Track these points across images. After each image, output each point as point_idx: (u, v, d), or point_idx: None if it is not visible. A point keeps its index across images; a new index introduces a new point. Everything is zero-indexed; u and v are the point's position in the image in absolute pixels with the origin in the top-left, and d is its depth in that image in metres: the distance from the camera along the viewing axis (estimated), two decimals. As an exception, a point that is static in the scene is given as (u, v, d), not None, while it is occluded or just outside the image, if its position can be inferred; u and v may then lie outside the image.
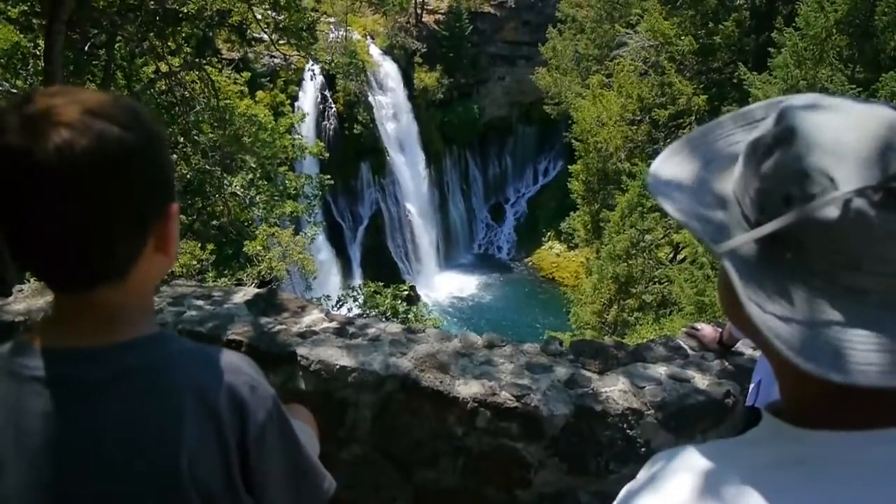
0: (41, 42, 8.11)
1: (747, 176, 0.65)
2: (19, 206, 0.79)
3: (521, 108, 33.74)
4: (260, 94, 15.20)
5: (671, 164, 0.72)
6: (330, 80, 25.69)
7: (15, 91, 7.85)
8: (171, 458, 0.86)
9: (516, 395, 2.16)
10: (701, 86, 18.05)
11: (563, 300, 19.15)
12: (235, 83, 12.63)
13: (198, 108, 9.91)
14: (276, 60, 23.01)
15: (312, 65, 15.20)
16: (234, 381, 0.93)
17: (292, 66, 23.13)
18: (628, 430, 2.15)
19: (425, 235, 30.64)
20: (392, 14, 28.97)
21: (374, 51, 28.48)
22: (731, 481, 0.63)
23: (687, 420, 2.19)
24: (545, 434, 2.16)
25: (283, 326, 2.48)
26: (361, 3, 28.59)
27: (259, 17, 9.83)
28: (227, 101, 10.60)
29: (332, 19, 25.07)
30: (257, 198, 11.42)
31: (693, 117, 17.26)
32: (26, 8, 8.80)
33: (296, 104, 23.22)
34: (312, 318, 2.58)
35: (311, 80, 22.79)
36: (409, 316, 10.99)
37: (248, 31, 10.73)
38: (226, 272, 11.79)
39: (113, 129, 0.81)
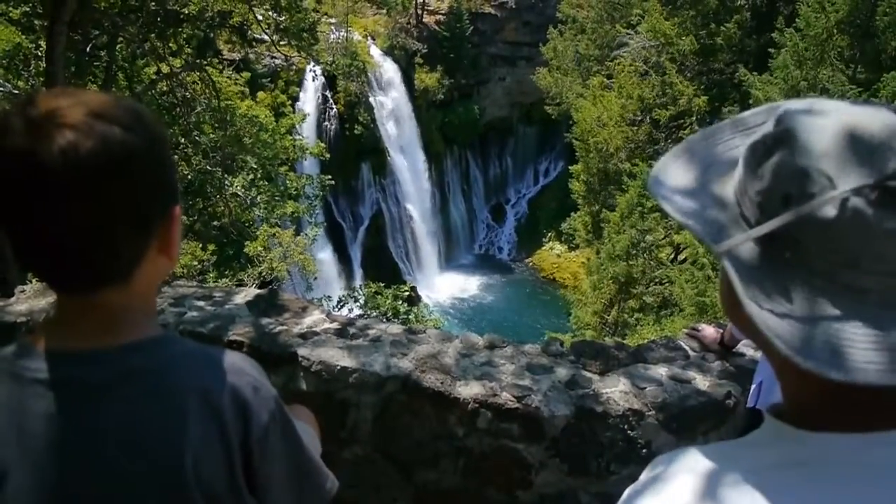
0: (43, 43, 8.11)
1: (747, 177, 0.65)
2: (24, 207, 0.79)
3: (521, 109, 33.75)
4: (261, 94, 15.21)
5: (671, 169, 0.73)
6: (331, 81, 25.71)
7: (17, 92, 7.85)
8: (174, 458, 0.86)
9: (517, 396, 2.16)
10: (702, 86, 18.04)
11: (564, 301, 19.14)
12: (236, 84, 12.64)
13: (199, 108, 9.91)
14: (277, 61, 23.04)
15: (313, 66, 15.20)
16: (237, 382, 0.93)
17: (293, 66, 23.15)
18: (629, 431, 2.15)
19: (426, 236, 30.65)
20: (393, 15, 28.98)
21: (375, 51, 28.49)
22: (732, 483, 0.64)
23: (688, 421, 2.19)
24: (546, 435, 2.16)
25: (284, 327, 2.48)
26: (362, 3, 28.58)
27: (260, 17, 9.83)
28: (228, 102, 10.60)
29: (332, 20, 25.09)
30: (258, 198, 11.42)
31: (694, 118, 17.26)
32: (28, 9, 8.81)
33: (296, 105, 23.25)
34: (313, 318, 2.58)
35: (313, 80, 22.80)
36: (410, 317, 10.98)
37: (249, 31, 10.74)
38: (227, 273, 11.79)
39: (117, 132, 0.81)
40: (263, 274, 11.74)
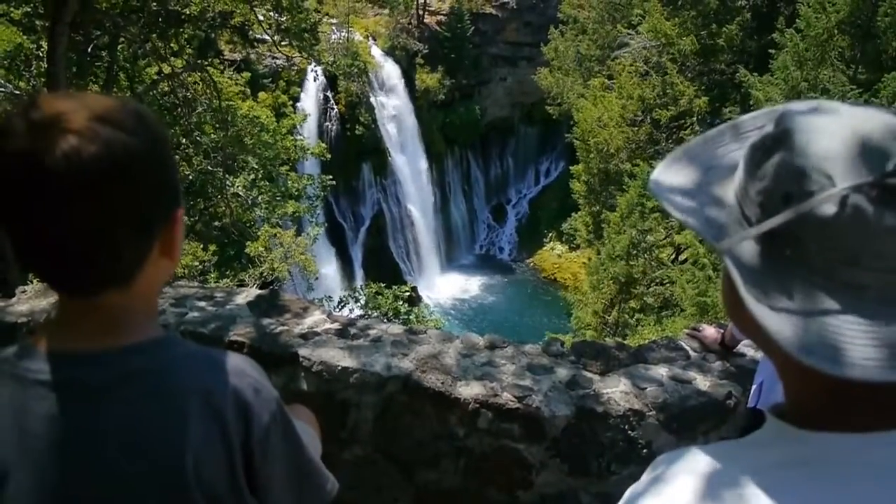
0: (44, 44, 8.12)
1: (747, 178, 0.66)
2: (27, 211, 0.80)
3: (522, 109, 33.75)
4: (262, 95, 15.21)
5: (672, 171, 0.74)
6: (332, 81, 25.72)
7: (18, 93, 7.86)
8: (174, 459, 0.86)
9: (518, 396, 2.16)
10: (702, 87, 18.03)
11: (565, 302, 19.14)
12: (236, 84, 12.64)
13: (200, 109, 9.92)
14: (279, 61, 23.06)
15: (315, 66, 15.20)
16: (238, 383, 0.93)
17: (295, 66, 23.17)
18: (630, 432, 2.15)
19: (427, 236, 30.65)
20: (394, 15, 28.99)
21: (376, 52, 28.50)
22: (734, 482, 0.64)
23: (688, 421, 2.19)
24: (546, 435, 2.16)
25: (285, 327, 2.49)
26: (363, 3, 28.59)
27: (261, 18, 9.83)
28: (230, 103, 10.60)
29: (333, 20, 25.09)
30: (259, 198, 11.42)
31: (694, 118, 17.25)
32: (29, 9, 8.83)
33: (297, 105, 23.25)
34: (314, 319, 2.58)
35: (315, 80, 22.82)
36: (411, 317, 10.99)
37: (251, 32, 10.75)
38: (228, 273, 11.80)
39: (120, 136, 0.81)
40: (264, 274, 11.74)
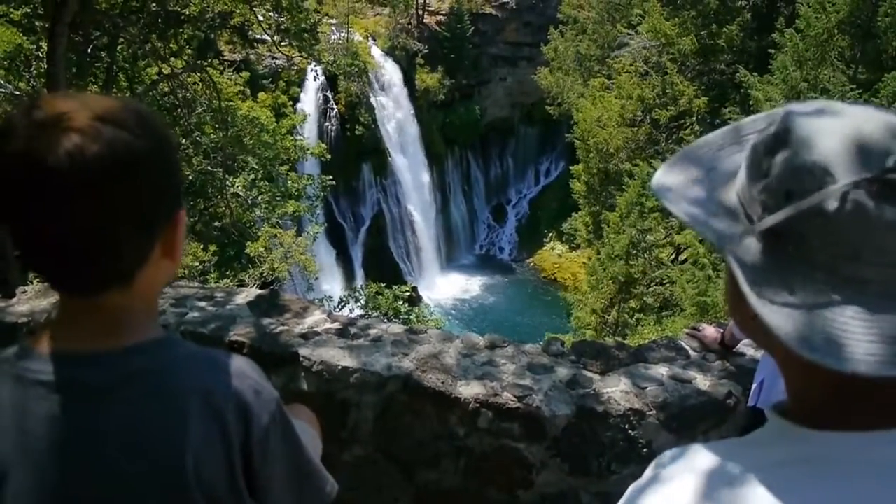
0: (44, 44, 8.13)
1: (750, 178, 0.67)
2: (29, 209, 0.80)
3: (522, 109, 33.76)
4: (262, 95, 15.21)
5: (674, 173, 0.74)
6: (332, 82, 25.72)
7: (18, 93, 7.86)
8: (174, 459, 0.86)
9: (518, 396, 2.16)
10: (702, 87, 18.03)
11: (565, 302, 19.14)
12: (236, 84, 12.65)
13: (199, 109, 9.92)
14: (278, 62, 23.07)
15: (314, 65, 15.20)
16: (238, 384, 0.93)
17: (294, 66, 23.16)
18: (630, 431, 2.15)
19: (427, 236, 30.66)
20: (394, 15, 29.00)
21: (376, 52, 28.51)
22: (735, 480, 0.64)
23: (688, 421, 2.20)
24: (547, 434, 2.16)
25: (286, 327, 2.49)
26: (363, 3, 28.59)
27: (261, 18, 9.84)
28: (229, 103, 10.61)
29: (333, 21, 25.10)
30: (259, 199, 11.43)
31: (694, 118, 17.25)
32: (29, 10, 8.83)
33: (297, 105, 23.27)
34: (314, 318, 2.59)
35: (315, 80, 22.81)
36: (411, 317, 11.00)
37: (250, 32, 10.75)
38: (228, 273, 11.81)
39: (123, 135, 0.82)
40: (264, 274, 11.75)
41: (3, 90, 7.89)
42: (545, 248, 31.56)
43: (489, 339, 2.51)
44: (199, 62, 10.16)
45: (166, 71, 9.23)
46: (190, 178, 10.12)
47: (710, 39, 18.17)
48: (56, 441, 0.85)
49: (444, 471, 2.27)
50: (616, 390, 2.23)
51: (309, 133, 22.15)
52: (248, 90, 14.37)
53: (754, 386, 1.85)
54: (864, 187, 0.58)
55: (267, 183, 11.90)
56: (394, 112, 28.95)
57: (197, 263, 10.53)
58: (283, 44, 10.68)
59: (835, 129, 0.62)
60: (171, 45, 9.50)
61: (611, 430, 2.15)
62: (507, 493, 2.24)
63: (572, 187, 21.21)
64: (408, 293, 11.56)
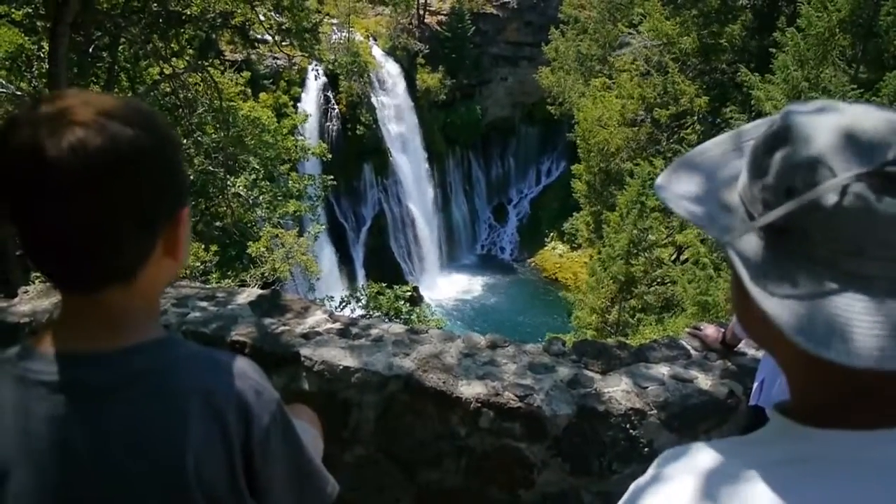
0: (45, 44, 8.14)
1: (751, 176, 0.67)
2: (31, 202, 0.80)
3: (523, 109, 33.74)
4: (263, 95, 15.20)
5: (677, 175, 0.75)
6: (333, 82, 25.73)
7: (19, 93, 7.87)
8: (175, 459, 0.86)
9: (519, 396, 2.16)
10: (703, 86, 18.02)
11: (567, 301, 19.13)
12: (237, 84, 12.66)
13: (201, 109, 9.93)
14: (279, 62, 23.07)
15: (316, 65, 15.21)
16: (239, 385, 0.93)
17: (296, 66, 23.17)
18: (631, 431, 2.15)
19: (428, 236, 30.65)
20: (395, 15, 28.99)
21: (377, 52, 28.50)
22: (737, 478, 0.65)
23: (690, 420, 2.20)
24: (548, 434, 2.16)
25: (287, 327, 2.49)
26: (364, 3, 28.58)
27: (262, 18, 9.84)
28: (231, 103, 10.62)
29: (334, 21, 25.11)
30: (261, 198, 11.44)
31: (695, 117, 17.24)
32: (30, 10, 8.84)
33: (298, 105, 23.25)
34: (316, 318, 2.59)
35: (316, 79, 22.82)
36: (412, 317, 10.99)
37: (251, 32, 10.75)
38: (229, 273, 11.80)
39: (127, 131, 0.82)
40: (266, 274, 11.75)
41: (4, 90, 7.90)
42: (546, 247, 31.55)
43: (490, 338, 2.51)
44: (200, 62, 10.17)
45: (168, 71, 9.24)
46: (191, 178, 10.13)
47: (712, 39, 18.16)
48: (57, 441, 0.85)
49: (445, 470, 2.27)
50: (617, 390, 2.23)
51: (310, 133, 22.14)
52: (250, 90, 14.36)
53: (755, 385, 1.85)
54: (864, 181, 0.58)
55: (268, 183, 11.91)
56: (395, 112, 28.94)
57: (198, 263, 10.53)
58: (284, 43, 10.68)
59: (834, 125, 0.62)
60: (172, 45, 9.51)
61: (612, 430, 2.15)
62: (508, 492, 2.24)
63: (573, 187, 21.21)
64: (409, 293, 11.55)
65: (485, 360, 2.36)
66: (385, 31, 29.21)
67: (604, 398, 2.19)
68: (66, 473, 0.85)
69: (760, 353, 2.22)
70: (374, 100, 27.86)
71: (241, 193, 11.03)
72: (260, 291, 2.86)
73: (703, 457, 0.70)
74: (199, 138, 9.91)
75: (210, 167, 10.29)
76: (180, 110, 9.70)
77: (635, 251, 14.98)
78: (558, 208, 30.42)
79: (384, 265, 27.18)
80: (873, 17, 13.90)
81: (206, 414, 0.89)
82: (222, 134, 9.96)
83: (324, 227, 15.88)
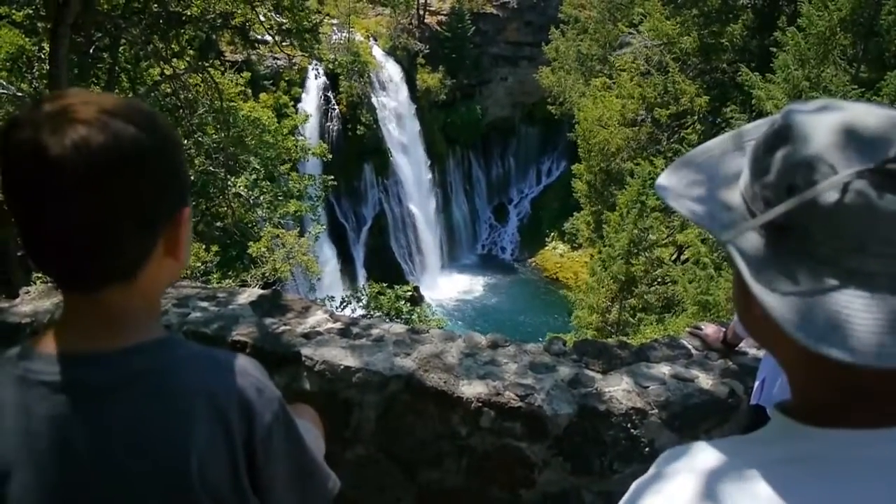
0: (46, 45, 8.14)
1: (752, 175, 0.67)
2: (33, 199, 0.80)
3: (523, 109, 33.74)
4: (263, 95, 15.19)
5: (677, 176, 0.75)
6: (333, 82, 25.73)
7: (20, 94, 7.88)
8: (178, 460, 0.86)
9: (520, 395, 2.17)
10: (704, 86, 18.02)
11: (567, 301, 19.14)
12: (237, 85, 12.66)
13: (201, 110, 9.93)
14: (280, 62, 23.07)
15: (316, 65, 15.22)
16: (241, 383, 0.93)
17: (296, 66, 23.17)
18: (632, 430, 2.15)
19: (429, 236, 30.64)
20: (395, 15, 28.99)
21: (377, 52, 28.50)
22: (736, 477, 0.65)
23: (691, 419, 2.20)
24: (549, 434, 2.16)
25: (288, 327, 2.49)
26: (364, 3, 28.58)
27: (262, 18, 9.83)
28: (231, 103, 10.62)
29: (334, 21, 25.11)
30: (261, 199, 11.44)
31: (696, 117, 17.24)
32: (31, 11, 8.85)
33: (299, 105, 23.25)
34: (317, 318, 2.59)
35: (316, 78, 22.81)
36: (413, 317, 10.99)
37: (252, 32, 10.74)
38: (230, 273, 11.81)
39: (129, 129, 0.82)
40: (266, 274, 11.75)
41: (5, 92, 7.91)
42: (547, 247, 31.54)
43: (491, 338, 2.51)
44: (200, 63, 10.17)
45: (168, 72, 9.24)
46: (192, 178, 10.13)
47: (712, 38, 18.16)
48: (58, 441, 0.85)
49: (446, 470, 2.27)
50: (618, 389, 2.23)
51: (310, 133, 22.14)
52: (250, 91, 14.36)
53: (756, 384, 1.85)
54: (866, 178, 0.58)
55: (269, 183, 11.90)
56: (395, 112, 28.94)
57: (199, 263, 10.54)
58: (284, 44, 10.68)
59: (835, 123, 0.62)
60: (172, 46, 9.50)
61: (613, 429, 2.15)
62: (509, 492, 2.24)
63: (574, 187, 21.21)
64: (409, 293, 11.55)
65: (486, 359, 2.36)
66: (385, 32, 29.21)
67: (605, 398, 2.19)
68: (67, 473, 0.85)
69: (761, 353, 2.22)
70: (374, 100, 27.86)
71: (242, 193, 11.03)
72: (261, 291, 2.86)
73: (704, 456, 0.70)
74: (199, 139, 9.91)
75: (211, 167, 10.28)
76: (181, 111, 9.71)
77: (636, 251, 14.97)
78: (559, 208, 30.42)
79: (385, 265, 27.18)
80: (874, 16, 13.90)
81: (210, 415, 0.89)
82: (223, 134, 9.96)
83: (324, 227, 15.89)
